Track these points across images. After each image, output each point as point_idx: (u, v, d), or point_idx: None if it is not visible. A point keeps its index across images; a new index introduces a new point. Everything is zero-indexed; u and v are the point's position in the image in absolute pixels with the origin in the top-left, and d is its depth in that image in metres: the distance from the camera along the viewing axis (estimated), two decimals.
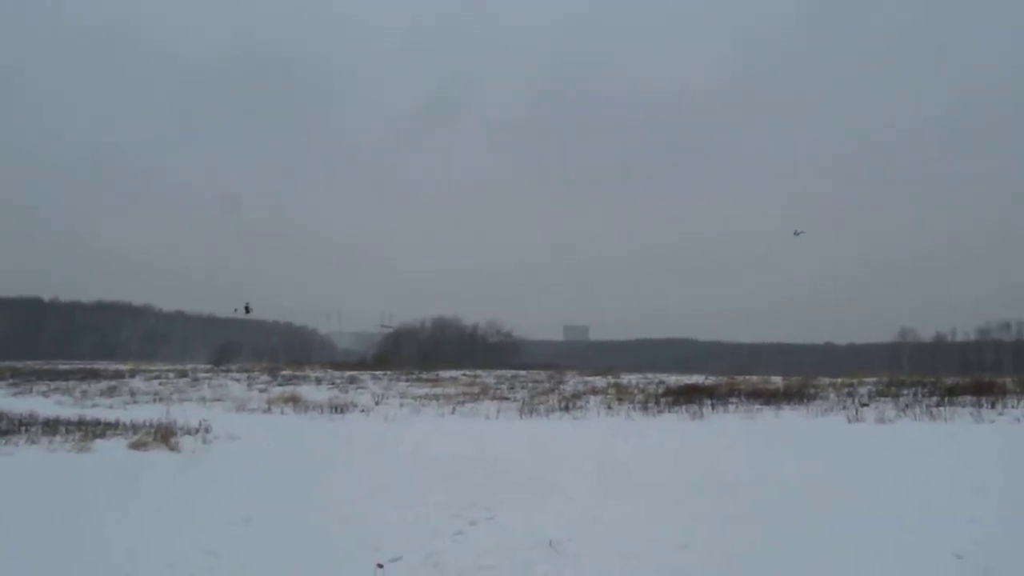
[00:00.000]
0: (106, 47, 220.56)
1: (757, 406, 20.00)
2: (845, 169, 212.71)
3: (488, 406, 22.58)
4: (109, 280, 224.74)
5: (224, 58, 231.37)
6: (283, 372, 43.08)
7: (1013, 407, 17.06)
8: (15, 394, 31.13)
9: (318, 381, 35.94)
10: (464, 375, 40.42)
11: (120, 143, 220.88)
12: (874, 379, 27.56)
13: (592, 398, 24.35)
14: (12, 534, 6.70)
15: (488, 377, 38.28)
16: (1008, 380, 23.51)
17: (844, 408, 18.33)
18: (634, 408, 20.49)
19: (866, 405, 18.94)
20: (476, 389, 29.95)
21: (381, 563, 5.69)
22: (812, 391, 23.41)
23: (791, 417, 17.82)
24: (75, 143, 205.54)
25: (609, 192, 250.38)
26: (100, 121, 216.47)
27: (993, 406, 17.16)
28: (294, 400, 25.54)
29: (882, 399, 20.28)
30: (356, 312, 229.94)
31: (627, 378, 34.13)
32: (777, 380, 28.53)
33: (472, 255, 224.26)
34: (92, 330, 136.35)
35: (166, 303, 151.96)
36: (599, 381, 32.85)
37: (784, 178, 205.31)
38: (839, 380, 28.06)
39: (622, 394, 25.37)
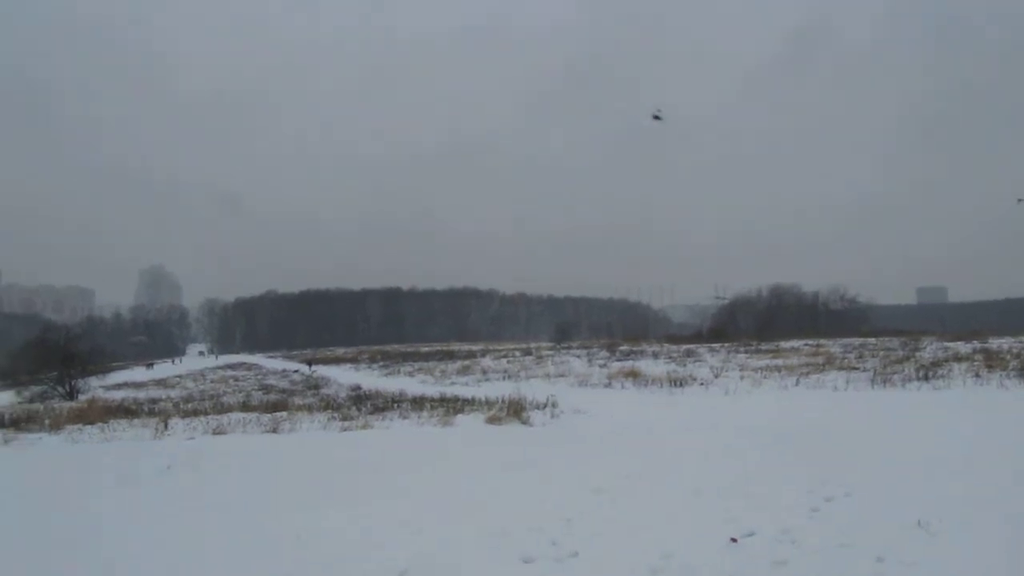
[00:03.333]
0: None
1: None
2: None
3: (835, 376, 21.42)
4: (457, 268, 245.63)
5: None
6: (621, 347, 44.14)
7: None
8: (386, 374, 35.16)
9: (655, 355, 36.39)
10: (806, 345, 38.69)
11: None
12: None
13: (955, 365, 22.10)
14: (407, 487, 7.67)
15: (833, 346, 36.27)
16: None
17: None
18: (1008, 376, 18.26)
19: None
20: (820, 359, 28.49)
21: (735, 537, 5.70)
22: None
23: None
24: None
25: (963, 133, 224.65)
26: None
27: None
28: (633, 374, 26.12)
29: None
30: (689, 286, 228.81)
31: (996, 342, 30.54)
32: None
33: (807, 215, 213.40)
34: (445, 314, 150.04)
35: (508, 287, 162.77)
36: (962, 347, 29.74)
37: None
38: None
39: (992, 360, 22.74)
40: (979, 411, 13.29)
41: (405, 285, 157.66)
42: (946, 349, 29.46)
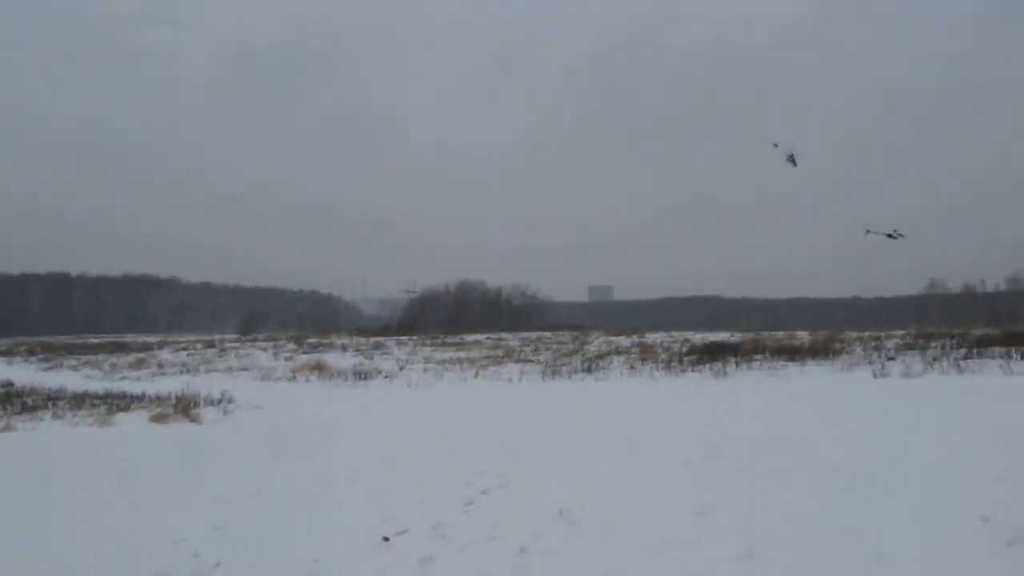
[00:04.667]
0: None
1: (782, 363, 19.81)
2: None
3: (511, 369, 22.54)
4: (134, 255, 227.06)
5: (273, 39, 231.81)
6: (309, 340, 43.31)
7: None
8: (46, 369, 31.58)
9: (344, 348, 36.12)
10: (488, 338, 40.44)
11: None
12: (902, 332, 27.21)
13: (616, 358, 24.25)
14: None
15: (513, 340, 38.28)
16: None
17: (870, 363, 18.06)
18: (657, 368, 20.34)
19: (893, 359, 18.67)
20: (500, 352, 29.95)
21: (387, 536, 5.64)
22: (838, 346, 23.15)
23: (816, 373, 17.60)
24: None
25: (633, 153, 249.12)
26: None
27: (1023, 357, 16.80)
28: (319, 368, 25.67)
29: (909, 352, 19.98)
30: (381, 279, 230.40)
31: (652, 337, 33.97)
32: (803, 336, 28.24)
33: (497, 218, 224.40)
34: (120, 303, 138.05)
35: (192, 275, 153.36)
36: (624, 341, 32.75)
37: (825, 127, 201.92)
38: (866, 334, 27.76)
39: (646, 353, 25.24)
40: (629, 400, 14.62)
41: (74, 271, 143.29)
42: (610, 343, 32.25)
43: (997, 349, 18.68)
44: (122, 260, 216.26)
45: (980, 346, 19.82)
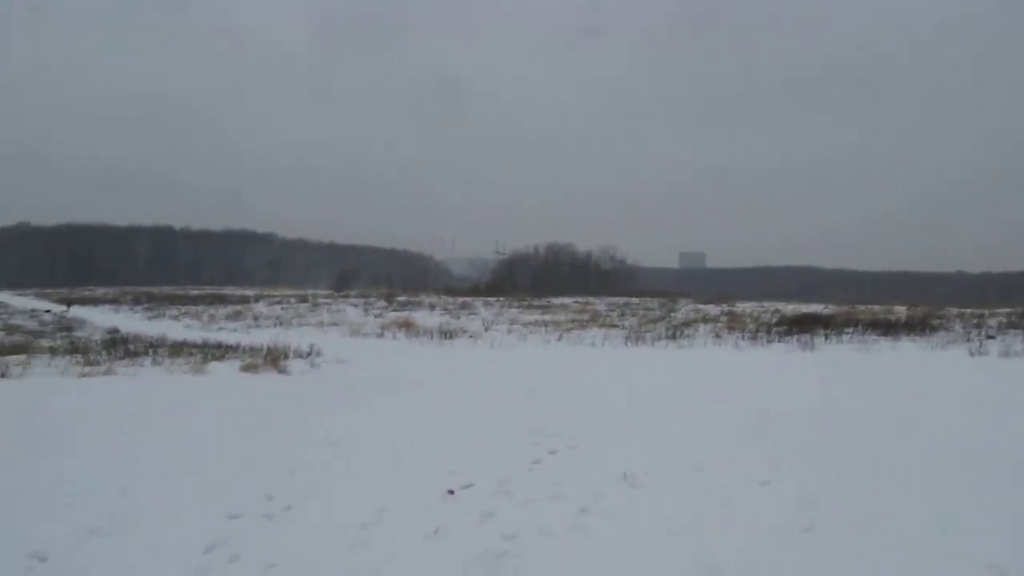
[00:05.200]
0: None
1: (874, 337, 19.19)
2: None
3: (595, 333, 22.53)
4: (234, 212, 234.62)
5: None
6: (399, 298, 44.10)
7: None
8: (150, 318, 33.08)
9: (431, 307, 36.66)
10: (576, 302, 40.43)
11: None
12: (1008, 310, 25.95)
13: (702, 326, 23.95)
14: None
15: (599, 304, 38.19)
16: None
17: (968, 341, 17.35)
18: (743, 338, 20.00)
19: (992, 337, 17.88)
20: (586, 316, 29.92)
21: (452, 489, 5.79)
22: (936, 322, 22.27)
23: (909, 349, 17.01)
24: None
25: (740, 115, 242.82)
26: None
27: None
28: (407, 325, 26.18)
29: (1013, 331, 19.08)
30: (471, 240, 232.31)
31: (743, 307, 33.36)
32: (900, 310, 27.24)
33: (591, 180, 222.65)
34: (219, 257, 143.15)
35: (288, 231, 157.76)
36: (712, 309, 32.25)
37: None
38: (968, 311, 26.59)
39: (734, 323, 24.85)
40: (711, 368, 14.48)
41: (177, 224, 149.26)
42: (698, 311, 31.82)
43: None
44: (223, 216, 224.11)
45: None
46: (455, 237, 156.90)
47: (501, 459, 6.66)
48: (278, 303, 40.48)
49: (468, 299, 43.85)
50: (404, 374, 13.93)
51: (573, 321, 27.43)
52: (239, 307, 37.54)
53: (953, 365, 14.09)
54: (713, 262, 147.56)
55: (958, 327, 20.80)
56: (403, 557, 4.54)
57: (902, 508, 5.20)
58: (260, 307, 37.49)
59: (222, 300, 45.24)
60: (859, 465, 6.36)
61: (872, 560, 4.40)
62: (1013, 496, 5.44)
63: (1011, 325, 20.71)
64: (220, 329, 26.14)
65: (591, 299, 43.93)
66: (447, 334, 22.90)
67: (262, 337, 20.90)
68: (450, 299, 43.63)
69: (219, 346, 17.69)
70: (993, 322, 21.90)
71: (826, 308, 29.77)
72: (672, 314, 30.55)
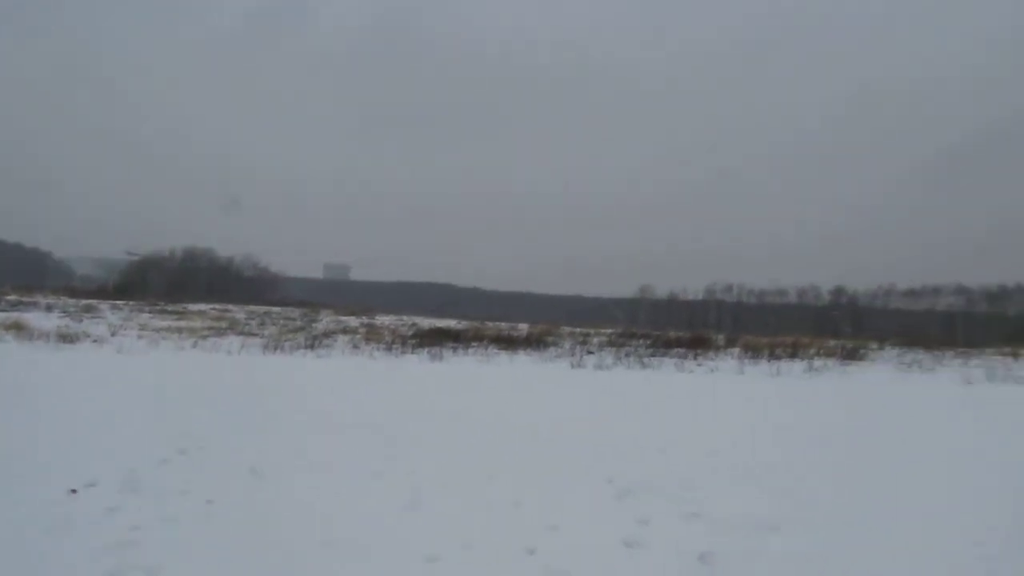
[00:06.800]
0: None
1: (495, 350, 21.09)
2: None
3: (232, 341, 22.09)
4: None
5: None
6: (8, 297, 39.34)
7: (711, 359, 19.30)
8: None
9: (48, 308, 33.28)
10: (213, 309, 39.08)
11: None
12: (611, 331, 29.80)
13: (341, 337, 24.51)
14: None
15: (239, 312, 37.28)
16: (719, 336, 26.42)
17: (573, 355, 19.77)
18: (379, 348, 20.88)
19: (592, 353, 20.57)
20: (224, 324, 29.13)
21: (75, 488, 5.65)
22: (550, 339, 24.98)
23: (523, 362, 18.99)
24: None
25: (399, 133, 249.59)
26: None
27: (695, 358, 19.28)
28: (17, 327, 23.55)
29: (608, 348, 22.07)
30: (101, 238, 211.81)
31: (382, 319, 34.54)
32: (524, 328, 30.05)
33: (235, 184, 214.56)
34: None
35: None
36: (353, 321, 33.04)
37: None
38: (578, 330, 30.12)
39: (372, 334, 25.73)
40: (341, 377, 15.05)
41: None
42: (339, 322, 32.41)
43: (680, 350, 21.23)
44: None
45: (667, 347, 22.37)
46: (82, 234, 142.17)
47: (128, 458, 6.62)
48: None
49: (93, 301, 40.30)
50: (16, 379, 12.74)
51: (209, 328, 26.58)
52: None
53: (556, 376, 16.05)
54: (357, 275, 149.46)
55: (567, 344, 23.55)
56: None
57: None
58: None
59: None
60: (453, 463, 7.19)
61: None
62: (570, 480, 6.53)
63: (608, 343, 23.93)
64: None
65: (230, 307, 42.64)
66: (67, 338, 21.02)
67: None
68: (71, 300, 39.81)
69: None
70: (596, 340, 25.10)
71: (459, 324, 31.86)
72: (313, 324, 30.79)
